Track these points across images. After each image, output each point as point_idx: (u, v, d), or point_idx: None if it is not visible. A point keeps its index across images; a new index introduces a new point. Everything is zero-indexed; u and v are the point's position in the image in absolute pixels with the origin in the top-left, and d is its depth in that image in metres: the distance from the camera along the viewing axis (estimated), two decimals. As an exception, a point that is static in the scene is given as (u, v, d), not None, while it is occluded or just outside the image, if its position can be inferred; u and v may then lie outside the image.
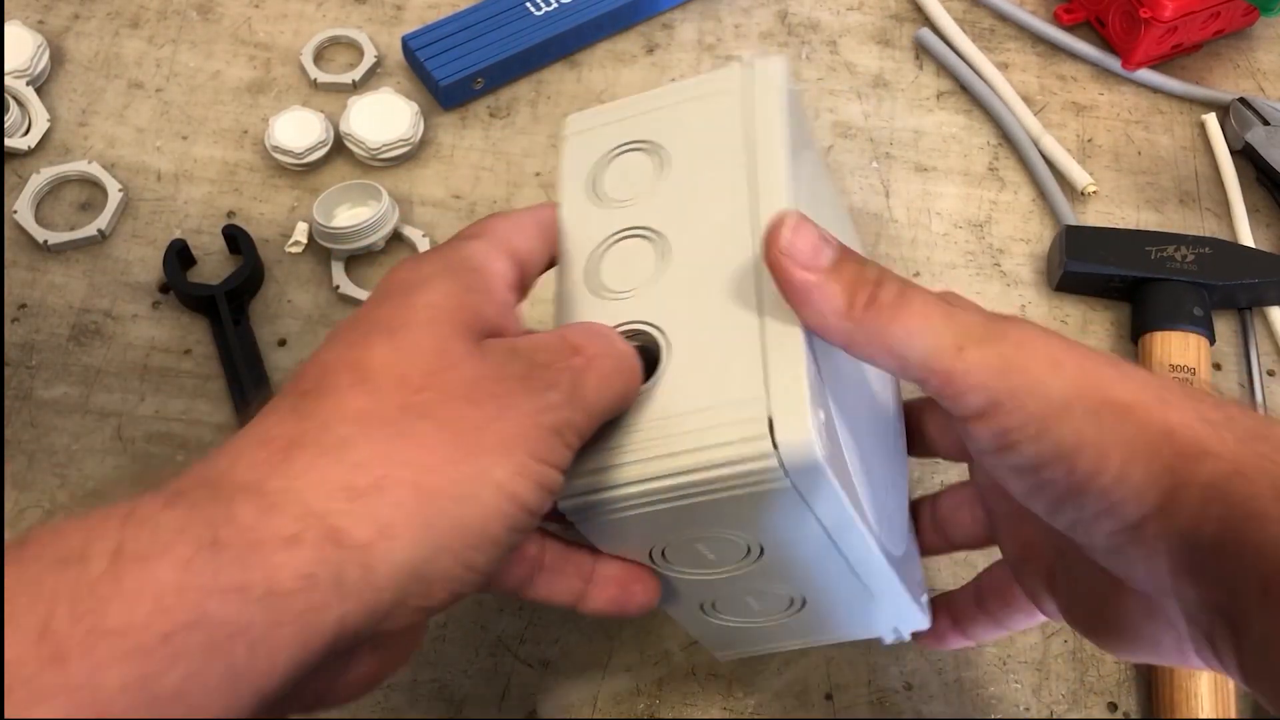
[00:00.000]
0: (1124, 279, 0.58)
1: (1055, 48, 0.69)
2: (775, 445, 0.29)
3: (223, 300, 0.54)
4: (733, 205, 0.33)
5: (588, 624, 0.48)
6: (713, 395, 0.30)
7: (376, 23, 0.66)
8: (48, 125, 0.60)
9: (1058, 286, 0.59)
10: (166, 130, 0.61)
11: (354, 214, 0.57)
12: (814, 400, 0.29)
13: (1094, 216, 0.62)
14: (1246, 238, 0.61)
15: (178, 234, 0.57)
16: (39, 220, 0.57)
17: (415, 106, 0.61)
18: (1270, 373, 0.58)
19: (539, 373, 0.30)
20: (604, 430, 0.31)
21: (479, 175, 0.61)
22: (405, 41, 0.63)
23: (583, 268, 0.35)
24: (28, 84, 0.60)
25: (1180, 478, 0.28)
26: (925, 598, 0.39)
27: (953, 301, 0.35)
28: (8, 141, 0.59)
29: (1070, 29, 0.69)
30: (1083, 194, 0.62)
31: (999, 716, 0.48)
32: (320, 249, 0.57)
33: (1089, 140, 0.66)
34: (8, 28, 0.61)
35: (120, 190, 0.58)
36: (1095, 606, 0.35)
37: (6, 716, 0.20)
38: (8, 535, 0.48)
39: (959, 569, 0.50)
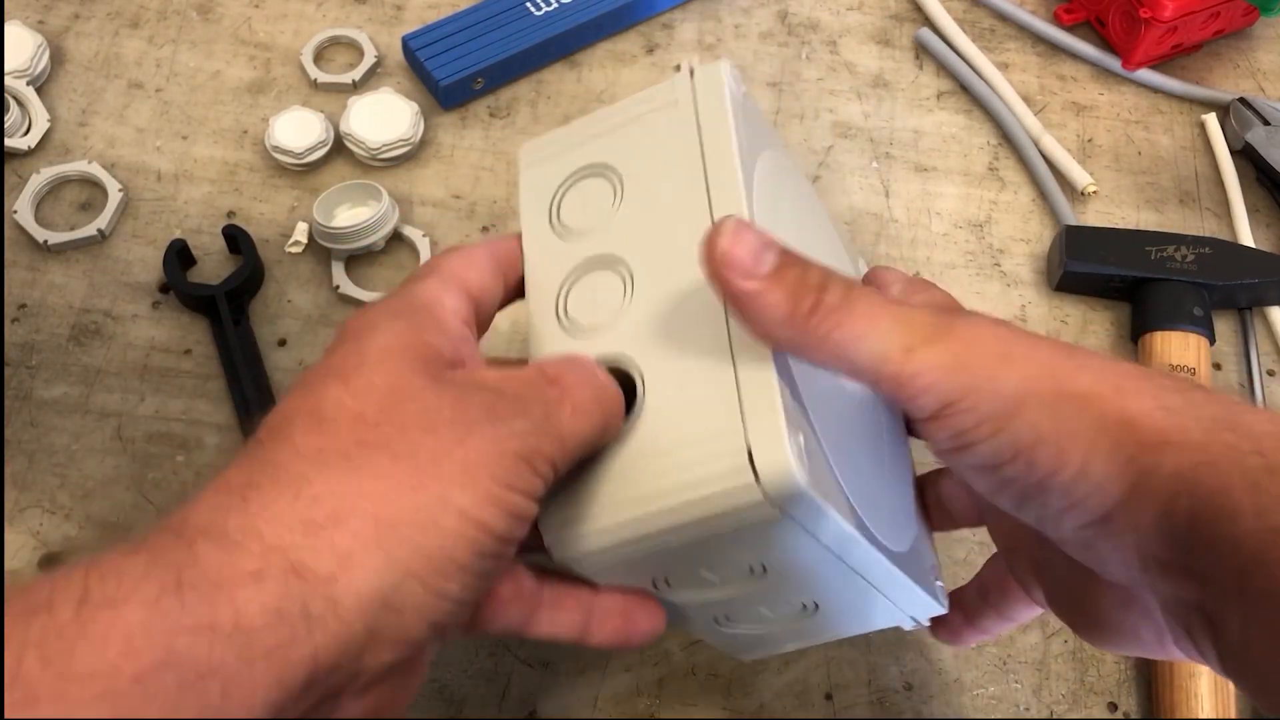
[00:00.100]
0: (1124, 279, 0.58)
1: (1055, 48, 0.69)
2: (758, 478, 0.28)
3: (223, 300, 0.54)
4: (691, 223, 0.33)
5: (588, 624, 0.48)
6: (691, 429, 0.30)
7: (376, 23, 0.66)
8: (48, 125, 0.60)
9: (1058, 286, 0.59)
10: (166, 130, 0.61)
11: (354, 214, 0.57)
12: (791, 425, 0.29)
13: (1094, 216, 0.62)
14: (1246, 238, 0.61)
15: (178, 234, 0.57)
16: (39, 220, 0.57)
17: (415, 106, 0.61)
18: (1270, 373, 0.58)
19: (506, 402, 0.29)
20: (589, 475, 0.31)
21: (479, 175, 0.61)
22: (405, 41, 0.63)
23: (551, 304, 0.35)
24: (28, 84, 0.60)
25: (1143, 469, 0.28)
26: (940, 584, 0.39)
27: (908, 295, 0.35)
28: (8, 141, 0.59)
29: (1070, 29, 0.69)
30: (1083, 194, 0.62)
31: (999, 716, 0.48)
32: (320, 249, 0.57)
33: (1089, 140, 0.66)
34: (8, 28, 0.61)
35: (120, 190, 0.58)
36: (1075, 598, 0.35)
37: None
38: (8, 532, 0.48)
39: (960, 570, 0.50)
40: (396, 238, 0.58)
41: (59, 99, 0.62)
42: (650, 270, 0.33)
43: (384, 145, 0.59)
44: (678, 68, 0.37)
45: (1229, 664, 0.28)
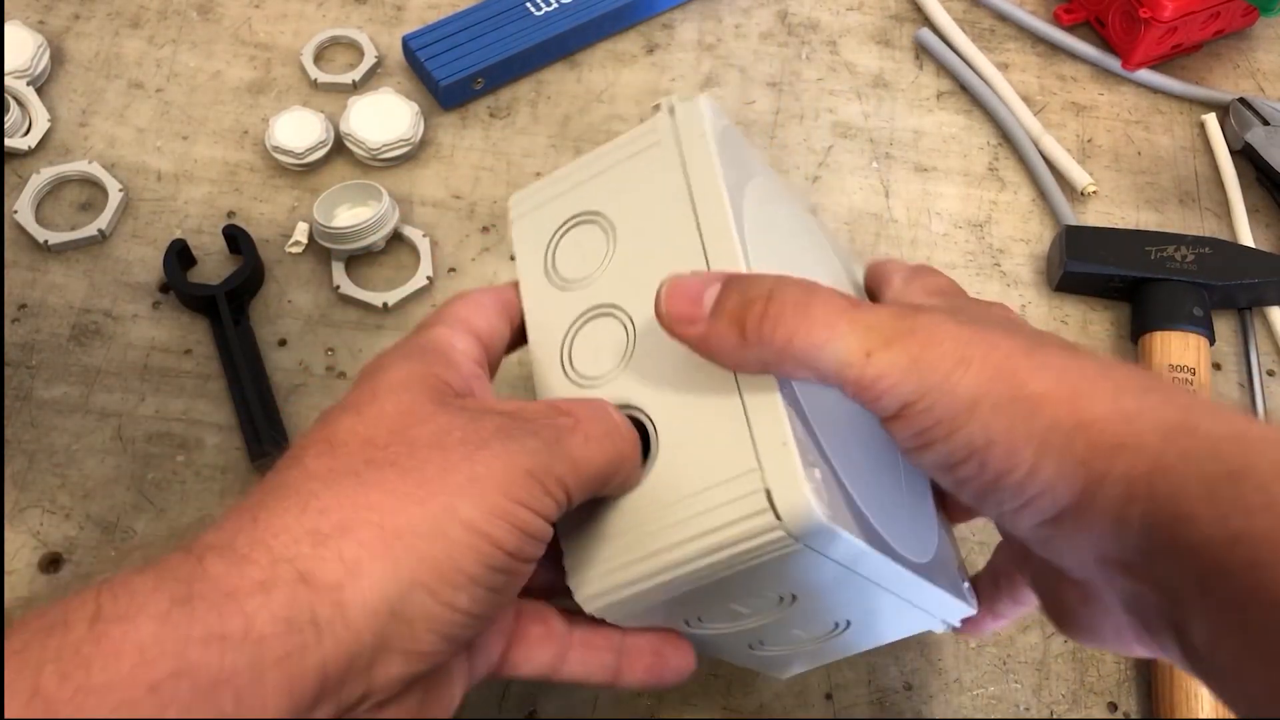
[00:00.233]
0: (1124, 279, 0.58)
1: (1055, 48, 0.69)
2: (779, 517, 0.29)
3: (223, 300, 0.54)
4: (685, 265, 0.33)
5: (588, 624, 0.48)
6: (708, 473, 0.31)
7: (376, 23, 0.66)
8: (48, 125, 0.60)
9: (1058, 286, 0.59)
10: (167, 130, 0.61)
11: (354, 214, 0.57)
12: (806, 460, 0.29)
13: (1094, 216, 0.62)
14: (1246, 238, 0.61)
15: (178, 234, 0.57)
16: (39, 220, 0.57)
17: (415, 106, 0.61)
18: (1270, 373, 0.58)
19: (518, 424, 0.30)
20: (612, 524, 0.32)
21: (479, 175, 0.61)
22: (405, 41, 0.63)
23: (555, 356, 0.35)
24: (28, 84, 0.60)
25: (1095, 473, 0.28)
26: (967, 584, 0.39)
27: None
28: (8, 141, 0.59)
29: (1070, 29, 0.69)
30: (1083, 194, 0.62)
31: (999, 716, 0.48)
32: (320, 249, 0.57)
33: (1089, 140, 0.66)
34: (8, 28, 0.61)
35: (120, 190, 0.58)
36: (1048, 590, 0.35)
37: None
38: (7, 532, 0.48)
39: (959, 569, 0.50)
40: (396, 238, 0.58)
41: (59, 99, 0.62)
42: (650, 316, 0.33)
43: (384, 145, 0.59)
44: (657, 107, 0.37)
45: (1196, 665, 0.29)
